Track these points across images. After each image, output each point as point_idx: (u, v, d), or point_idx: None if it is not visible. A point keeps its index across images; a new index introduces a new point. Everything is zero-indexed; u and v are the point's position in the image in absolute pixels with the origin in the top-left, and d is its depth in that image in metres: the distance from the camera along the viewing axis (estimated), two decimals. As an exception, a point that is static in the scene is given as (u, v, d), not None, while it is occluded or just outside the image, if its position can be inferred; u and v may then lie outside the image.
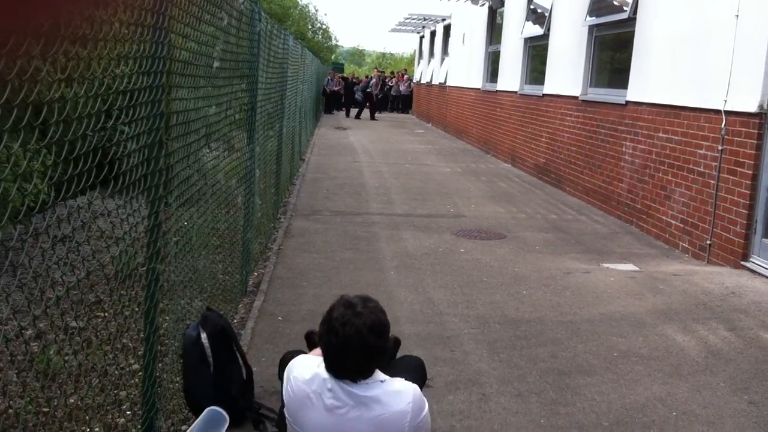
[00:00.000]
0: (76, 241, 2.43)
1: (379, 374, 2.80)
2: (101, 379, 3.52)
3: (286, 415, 2.89)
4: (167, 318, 3.88)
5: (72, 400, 3.79)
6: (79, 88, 2.34)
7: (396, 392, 2.77)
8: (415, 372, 3.61)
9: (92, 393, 3.58)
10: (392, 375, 2.92)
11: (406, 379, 2.94)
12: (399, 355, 4.05)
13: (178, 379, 3.96)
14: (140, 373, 3.42)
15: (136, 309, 3.47)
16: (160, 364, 3.39)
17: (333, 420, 2.72)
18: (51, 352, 3.82)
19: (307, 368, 2.83)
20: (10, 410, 3.73)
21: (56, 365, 3.64)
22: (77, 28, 2.12)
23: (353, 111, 31.13)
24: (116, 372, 3.85)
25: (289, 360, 3.08)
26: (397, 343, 4.14)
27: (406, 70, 40.23)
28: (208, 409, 3.03)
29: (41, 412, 3.71)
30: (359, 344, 2.65)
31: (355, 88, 32.29)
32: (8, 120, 1.83)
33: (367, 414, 2.70)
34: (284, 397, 2.91)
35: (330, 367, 2.74)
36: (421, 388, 3.44)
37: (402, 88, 36.06)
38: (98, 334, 3.30)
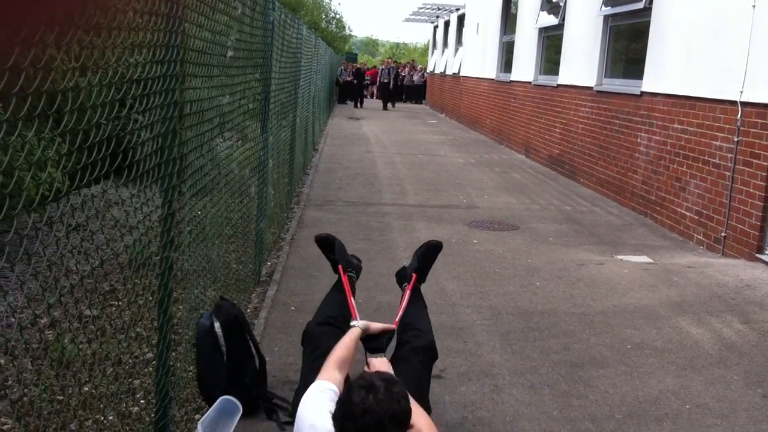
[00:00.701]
0: (90, 229, 2.43)
1: None
2: (115, 368, 3.53)
3: None
4: (181, 307, 3.90)
5: (86, 389, 3.81)
6: (93, 77, 2.34)
7: None
8: (424, 354, 3.57)
9: (106, 381, 3.60)
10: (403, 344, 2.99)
11: (416, 361, 2.98)
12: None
13: (191, 368, 3.98)
14: (154, 361, 3.43)
15: (150, 298, 3.48)
16: (173, 353, 3.40)
17: None
18: (65, 341, 3.84)
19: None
20: (25, 398, 3.75)
21: (70, 353, 3.66)
22: (91, 16, 2.12)
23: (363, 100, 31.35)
24: (130, 361, 3.87)
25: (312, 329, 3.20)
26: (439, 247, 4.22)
27: (413, 60, 40.04)
28: (221, 398, 3.04)
29: (56, 400, 3.74)
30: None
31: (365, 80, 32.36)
32: (23, 108, 1.83)
33: None
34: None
35: None
36: (431, 367, 3.53)
37: (415, 78, 35.98)
38: (112, 322, 3.30)
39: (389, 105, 30.69)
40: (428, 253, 4.19)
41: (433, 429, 2.82)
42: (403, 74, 35.75)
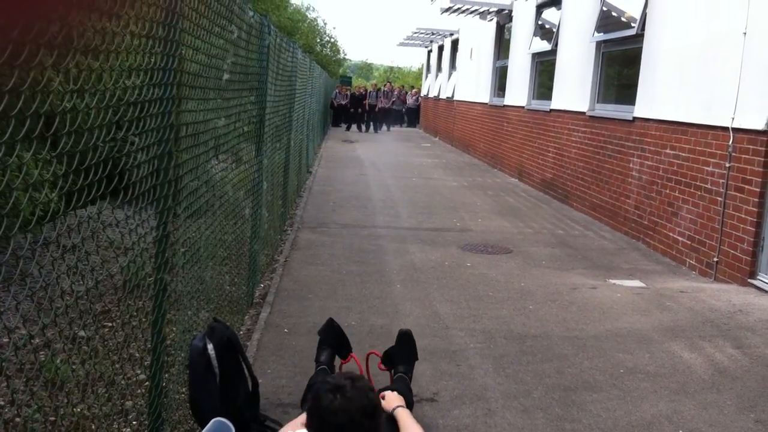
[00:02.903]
0: (86, 250, 2.45)
1: None
2: (108, 389, 3.53)
3: None
4: (174, 329, 3.89)
5: (79, 409, 3.79)
6: (90, 100, 2.36)
7: None
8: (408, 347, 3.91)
9: (99, 402, 3.59)
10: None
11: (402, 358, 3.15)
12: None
13: (184, 389, 3.97)
14: (147, 383, 3.43)
15: (144, 319, 3.48)
16: (166, 375, 3.40)
17: None
18: (59, 361, 3.83)
19: None
20: (18, 418, 3.74)
21: (64, 374, 3.65)
22: (89, 39, 2.15)
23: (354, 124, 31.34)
24: (123, 382, 3.86)
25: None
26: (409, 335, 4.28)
27: (402, 86, 40.14)
28: (213, 420, 3.03)
29: (48, 420, 3.72)
30: (353, 430, 2.54)
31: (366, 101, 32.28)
32: (21, 130, 1.85)
33: None
34: None
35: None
36: (414, 361, 3.88)
37: (410, 101, 36.08)
38: (105, 343, 3.30)
39: (376, 127, 30.84)
40: (408, 348, 4.22)
41: None
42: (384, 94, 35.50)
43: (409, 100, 36.08)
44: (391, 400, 3.38)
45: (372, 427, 2.59)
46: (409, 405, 3.63)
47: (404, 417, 3.27)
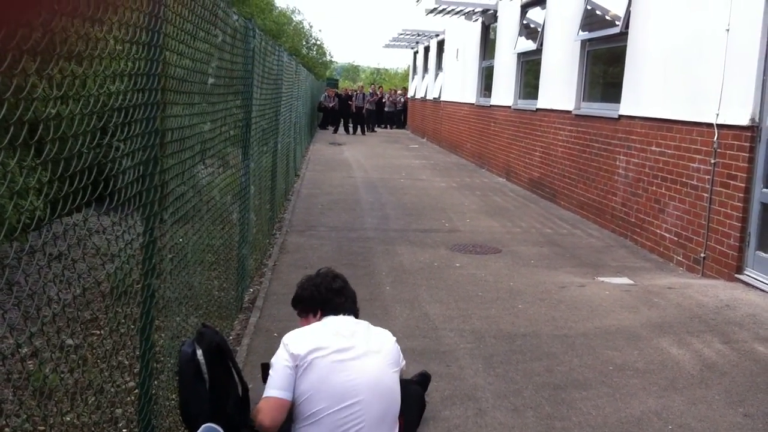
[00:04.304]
0: (72, 258, 2.43)
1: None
2: (97, 397, 3.51)
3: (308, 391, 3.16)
4: (163, 335, 3.88)
5: (68, 418, 3.77)
6: (75, 106, 2.35)
7: (382, 329, 3.47)
8: (415, 404, 3.84)
9: (88, 411, 3.57)
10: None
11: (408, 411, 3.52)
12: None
13: (173, 396, 3.95)
14: (136, 390, 3.41)
15: (132, 326, 3.47)
16: (155, 382, 3.39)
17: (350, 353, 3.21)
18: (47, 370, 3.81)
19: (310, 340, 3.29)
20: (7, 429, 3.71)
21: (52, 383, 3.63)
22: (72, 45, 2.14)
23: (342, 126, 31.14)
24: (112, 389, 3.84)
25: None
26: (426, 378, 4.30)
27: (393, 88, 40.24)
28: (204, 426, 3.03)
29: (37, 430, 3.70)
30: (331, 280, 3.54)
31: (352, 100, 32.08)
32: (4, 137, 1.84)
33: (375, 340, 3.32)
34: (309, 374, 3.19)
35: (325, 307, 3.49)
36: (420, 417, 3.92)
37: (398, 101, 36.12)
38: (94, 351, 3.29)
39: (363, 129, 30.72)
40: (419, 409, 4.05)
41: None
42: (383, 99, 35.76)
43: (396, 100, 36.11)
44: None
45: (343, 285, 3.58)
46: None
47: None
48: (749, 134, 7.13)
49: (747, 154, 7.14)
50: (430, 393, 4.51)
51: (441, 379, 4.82)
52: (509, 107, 15.73)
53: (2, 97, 1.76)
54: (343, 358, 3.19)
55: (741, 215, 7.20)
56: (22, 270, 2.06)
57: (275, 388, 3.23)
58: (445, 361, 5.14)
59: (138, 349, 3.18)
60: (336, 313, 3.48)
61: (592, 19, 11.31)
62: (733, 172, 7.33)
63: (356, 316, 3.56)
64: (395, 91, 38.14)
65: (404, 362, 3.51)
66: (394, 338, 3.46)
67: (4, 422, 3.75)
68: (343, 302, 3.52)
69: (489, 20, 18.59)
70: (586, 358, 5.26)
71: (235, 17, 5.54)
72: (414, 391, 3.90)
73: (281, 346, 3.31)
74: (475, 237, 9.50)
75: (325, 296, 3.52)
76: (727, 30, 7.48)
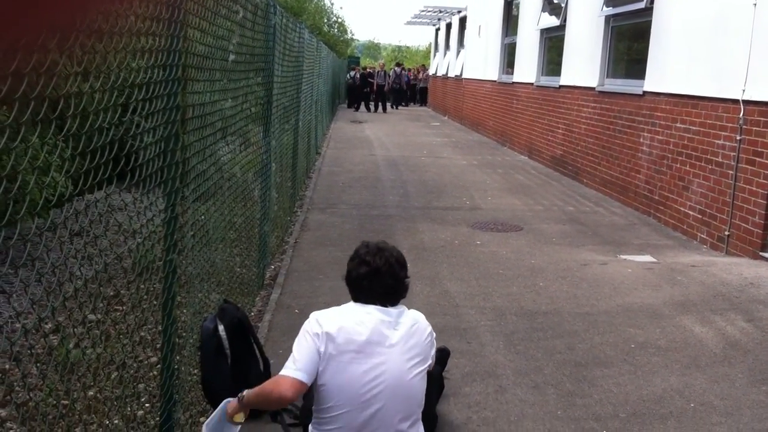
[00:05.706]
0: (94, 234, 2.45)
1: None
2: (120, 372, 3.55)
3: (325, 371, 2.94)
4: (185, 311, 3.91)
5: (91, 393, 3.82)
6: (96, 82, 2.35)
7: (415, 312, 3.01)
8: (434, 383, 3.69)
9: (111, 385, 3.61)
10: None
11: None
12: None
13: (195, 371, 3.99)
14: (158, 365, 3.44)
15: (154, 302, 3.49)
16: (178, 357, 3.42)
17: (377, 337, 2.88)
18: (70, 345, 3.86)
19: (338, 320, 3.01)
20: (31, 402, 3.77)
21: (75, 358, 3.67)
22: (93, 21, 2.13)
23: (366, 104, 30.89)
24: (134, 364, 3.88)
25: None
26: (445, 354, 4.23)
27: (424, 65, 40.01)
28: (225, 400, 3.05)
29: (60, 404, 3.75)
30: (389, 271, 2.90)
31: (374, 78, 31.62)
32: (26, 113, 1.84)
33: (403, 326, 2.92)
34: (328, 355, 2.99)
35: (361, 295, 2.97)
36: (438, 396, 3.82)
37: (421, 79, 35.97)
38: (116, 326, 3.32)
39: (384, 106, 30.41)
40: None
41: None
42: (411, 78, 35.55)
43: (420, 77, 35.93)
44: None
45: (402, 276, 2.95)
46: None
47: None
48: (776, 110, 7.02)
49: (773, 131, 7.04)
50: (450, 370, 4.51)
51: (462, 356, 4.82)
52: (532, 84, 15.60)
53: (23, 72, 1.77)
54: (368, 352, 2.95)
55: (766, 192, 7.10)
56: (44, 245, 2.07)
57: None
58: (466, 339, 5.14)
59: (160, 324, 3.21)
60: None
61: (616, -6, 11.16)
62: (759, 149, 7.23)
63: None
64: (422, 69, 37.92)
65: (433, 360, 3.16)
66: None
67: (28, 396, 3.80)
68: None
69: (512, -4, 18.41)
70: (608, 336, 5.24)
71: (256, -7, 5.51)
72: (432, 370, 3.88)
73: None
74: (497, 215, 9.47)
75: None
76: (755, 4, 7.35)
